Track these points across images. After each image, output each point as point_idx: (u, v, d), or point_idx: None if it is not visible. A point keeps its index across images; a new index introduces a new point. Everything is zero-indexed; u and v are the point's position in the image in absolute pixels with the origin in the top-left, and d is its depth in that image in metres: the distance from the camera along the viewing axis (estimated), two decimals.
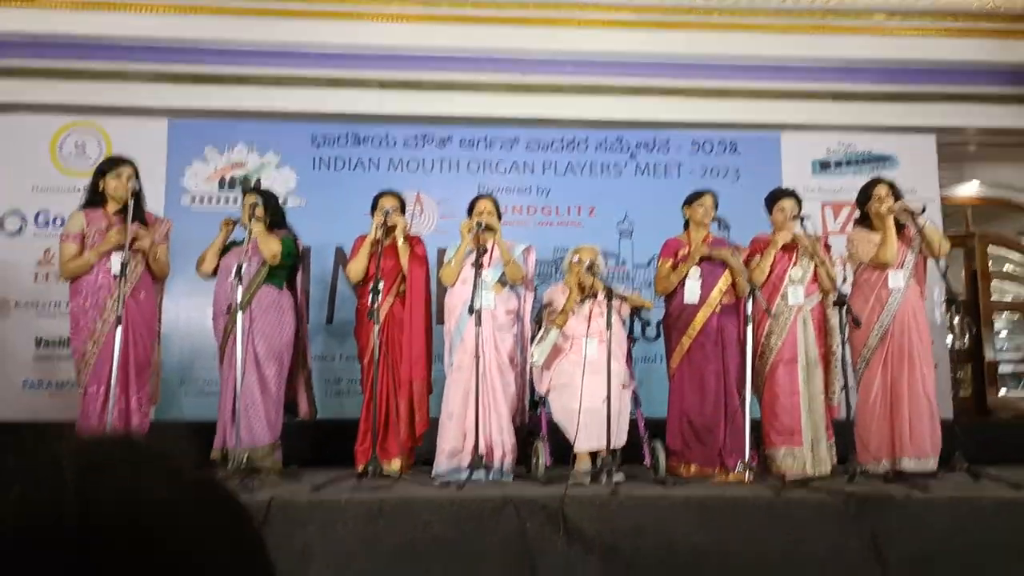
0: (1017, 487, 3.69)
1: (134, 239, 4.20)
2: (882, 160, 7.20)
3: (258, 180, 6.52)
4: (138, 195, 4.33)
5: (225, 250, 4.59)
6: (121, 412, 4.18)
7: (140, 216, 4.35)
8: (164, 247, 4.48)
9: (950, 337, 4.97)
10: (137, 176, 4.41)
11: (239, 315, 4.11)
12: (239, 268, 3.97)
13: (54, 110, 6.60)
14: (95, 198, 4.39)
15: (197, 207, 6.59)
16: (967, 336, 7.80)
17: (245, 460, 3.86)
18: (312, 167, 6.76)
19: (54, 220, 6.48)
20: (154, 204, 5.15)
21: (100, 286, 4.18)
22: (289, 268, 4.63)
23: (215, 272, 4.60)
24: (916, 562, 3.33)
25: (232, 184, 6.65)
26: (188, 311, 6.13)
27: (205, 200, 6.63)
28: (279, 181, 6.60)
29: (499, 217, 4.58)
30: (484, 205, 4.56)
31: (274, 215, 4.63)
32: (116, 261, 4.15)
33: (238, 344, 4.12)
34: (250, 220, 4.32)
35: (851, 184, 7.01)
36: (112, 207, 4.31)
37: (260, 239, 4.37)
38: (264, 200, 4.61)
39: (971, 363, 8.09)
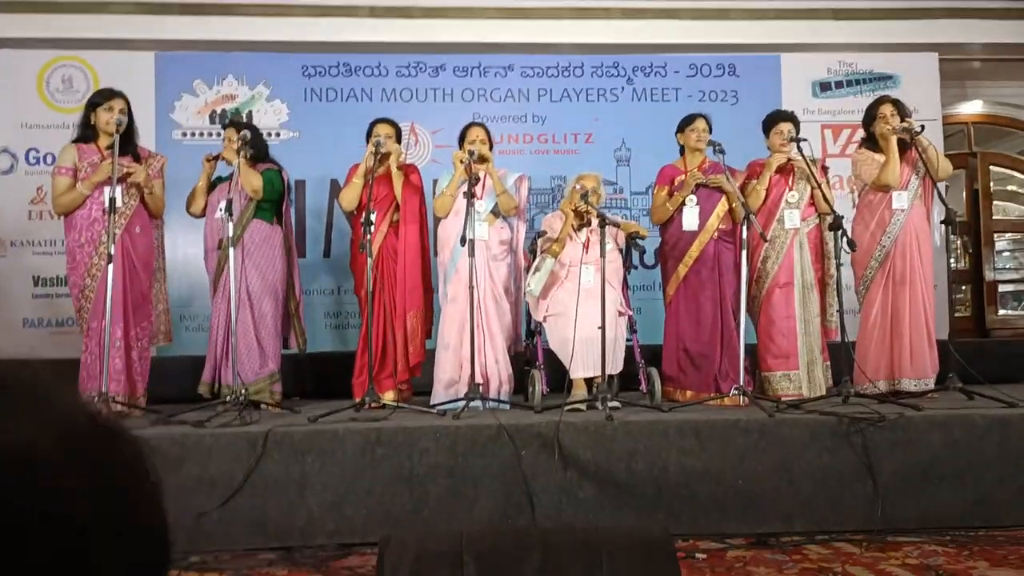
0: (1010, 404, 3.72)
1: (127, 173, 4.16)
2: (884, 79, 7.08)
3: (237, 112, 6.44)
4: (130, 129, 4.28)
5: (212, 186, 4.55)
6: (120, 347, 4.19)
7: (132, 151, 4.30)
8: (159, 182, 4.44)
9: (951, 259, 4.95)
10: (129, 110, 4.33)
11: (231, 250, 4.08)
12: (228, 204, 3.93)
13: (39, 44, 6.47)
14: (87, 132, 4.33)
15: (188, 141, 6.52)
16: (966, 257, 7.79)
17: (243, 393, 3.86)
18: (304, 98, 6.66)
19: (45, 157, 6.42)
20: (145, 139, 5.09)
21: (94, 220, 4.15)
22: (277, 202, 4.59)
23: (204, 211, 4.57)
24: (907, 477, 3.38)
25: (224, 117, 6.55)
26: (185, 247, 6.12)
27: (196, 134, 6.56)
28: (270, 113, 6.53)
29: (491, 146, 4.51)
30: (476, 133, 4.49)
31: (256, 148, 4.56)
32: (107, 195, 4.12)
33: (231, 279, 4.11)
34: (238, 154, 4.25)
35: (852, 105, 6.94)
36: (104, 141, 4.24)
37: (242, 174, 4.32)
38: (247, 133, 4.54)
39: (971, 283, 8.09)
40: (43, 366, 0.57)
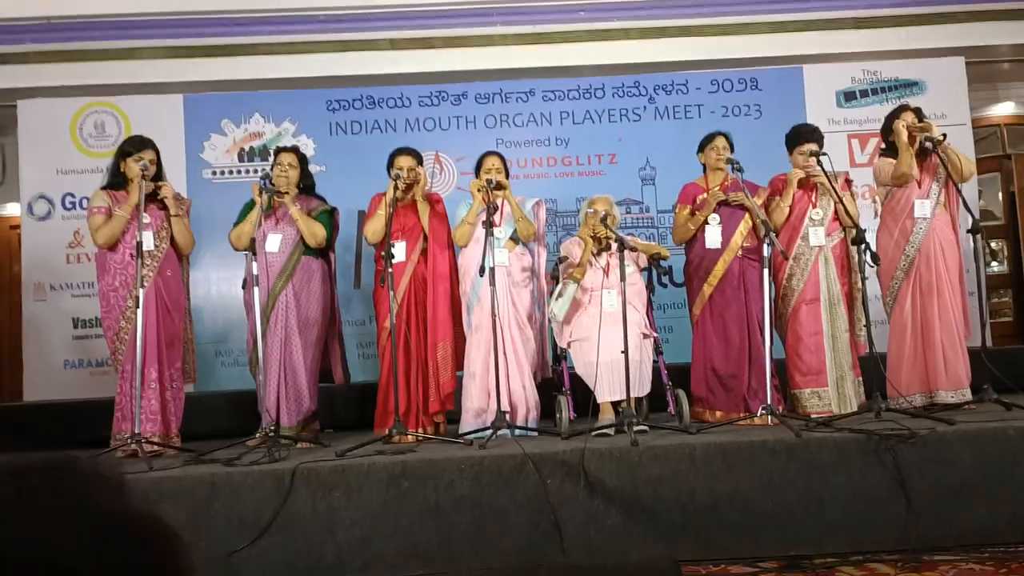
0: None
1: (158, 187, 4.31)
2: (910, 86, 7.00)
3: (265, 149, 6.58)
4: (158, 176, 4.38)
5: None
6: (155, 388, 4.28)
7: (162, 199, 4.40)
8: (186, 222, 4.52)
9: (984, 266, 4.86)
10: (158, 158, 4.43)
11: (280, 291, 4.22)
12: (252, 241, 4.01)
13: (72, 92, 6.67)
14: (117, 179, 4.44)
15: (218, 180, 6.66)
16: (996, 260, 7.63)
17: (272, 430, 3.91)
18: (329, 133, 6.77)
19: (80, 202, 6.60)
20: (176, 179, 5.21)
21: (127, 263, 4.24)
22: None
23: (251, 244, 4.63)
24: (941, 493, 3.30)
25: (252, 155, 6.68)
26: (219, 284, 6.24)
27: (225, 172, 6.69)
28: None
29: (507, 173, 4.54)
30: (492, 162, 4.53)
31: (306, 179, 4.65)
32: (148, 237, 4.22)
33: (275, 320, 4.23)
34: (269, 188, 4.31)
35: (878, 114, 6.82)
36: (134, 188, 4.34)
37: (302, 224, 4.42)
38: (300, 163, 4.63)
39: (1011, 288, 7.92)
40: (83, 463, 0.54)
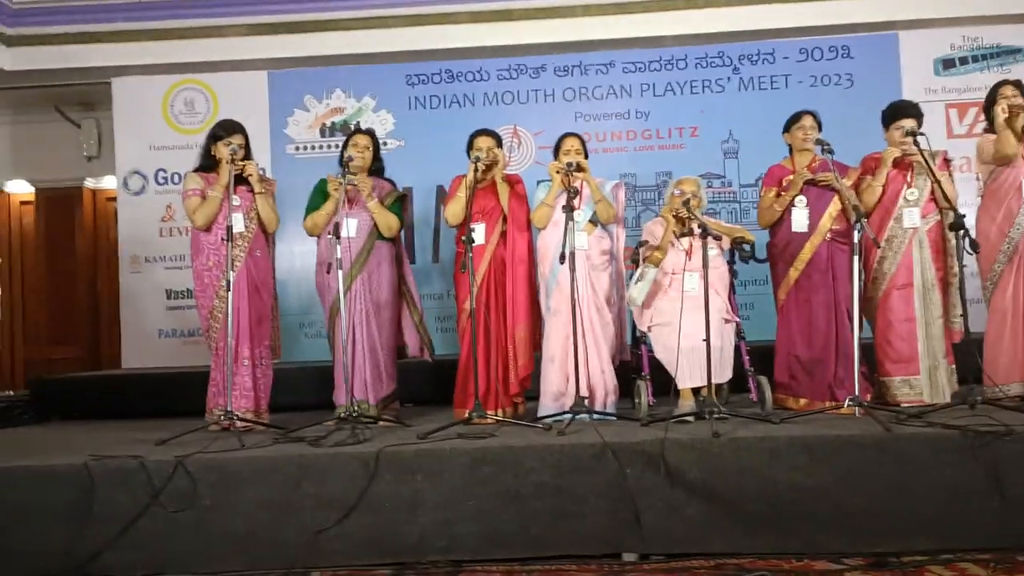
0: None
1: (242, 166, 4.39)
2: (1013, 53, 6.68)
3: (346, 124, 6.66)
4: (246, 159, 4.46)
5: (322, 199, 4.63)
6: (248, 366, 4.43)
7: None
8: (272, 202, 4.61)
9: None
10: (247, 141, 4.52)
11: (356, 274, 4.38)
12: (336, 226, 4.06)
13: (163, 70, 6.86)
14: (208, 162, 4.55)
15: (301, 155, 6.80)
16: None
17: (356, 411, 4.00)
18: (408, 107, 6.82)
19: (172, 177, 6.82)
20: (260, 155, 5.31)
21: (220, 245, 4.35)
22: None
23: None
24: None
25: (333, 131, 6.77)
26: (303, 257, 6.37)
27: (308, 148, 6.81)
28: (376, 124, 6.70)
29: (586, 154, 4.47)
30: (571, 143, 4.46)
31: (377, 162, 4.70)
32: (238, 219, 4.33)
33: (352, 302, 4.37)
34: (346, 172, 4.35)
35: (979, 82, 6.56)
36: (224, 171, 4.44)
37: (379, 217, 4.47)
38: (374, 146, 4.66)
39: None
40: None
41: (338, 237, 4.04)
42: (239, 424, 4.07)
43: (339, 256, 4.06)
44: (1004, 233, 4.22)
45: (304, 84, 6.83)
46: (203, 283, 4.49)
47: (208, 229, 4.44)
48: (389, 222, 4.53)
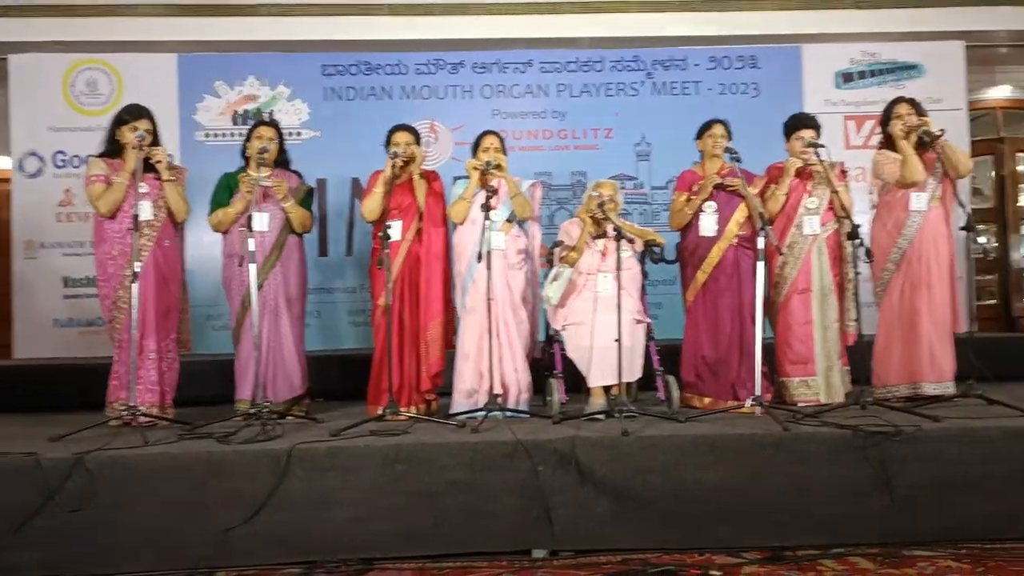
0: None
1: (165, 169, 4.29)
2: (908, 69, 7.01)
3: (259, 112, 6.53)
4: (154, 144, 4.33)
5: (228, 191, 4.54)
6: (154, 359, 4.30)
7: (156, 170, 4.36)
8: (181, 190, 4.48)
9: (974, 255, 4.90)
10: (155, 127, 4.38)
11: (270, 269, 4.33)
12: (249, 219, 4.00)
13: (64, 48, 6.58)
14: (113, 147, 4.39)
15: (211, 142, 6.62)
16: (985, 255, 7.72)
17: (266, 407, 3.94)
18: (324, 97, 6.73)
19: (72, 160, 6.56)
20: (168, 140, 5.14)
21: (125, 233, 4.21)
22: None
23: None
24: (924, 491, 3.38)
25: (245, 118, 6.62)
26: (211, 247, 6.18)
27: (219, 135, 6.64)
28: (291, 113, 6.60)
29: (504, 153, 4.51)
30: (490, 141, 4.49)
31: (282, 154, 4.63)
32: (146, 206, 4.20)
33: (264, 296, 4.34)
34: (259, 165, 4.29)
35: (876, 96, 6.88)
36: (130, 157, 4.29)
37: (294, 215, 4.45)
38: (279, 137, 4.59)
39: (997, 272, 8.02)
40: None
41: (251, 230, 3.97)
42: (142, 420, 3.96)
43: (252, 249, 3.98)
44: (893, 242, 4.46)
45: (216, 69, 6.65)
46: (106, 272, 4.33)
47: (113, 217, 4.29)
48: (304, 220, 4.50)
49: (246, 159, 4.41)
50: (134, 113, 4.35)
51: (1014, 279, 7.93)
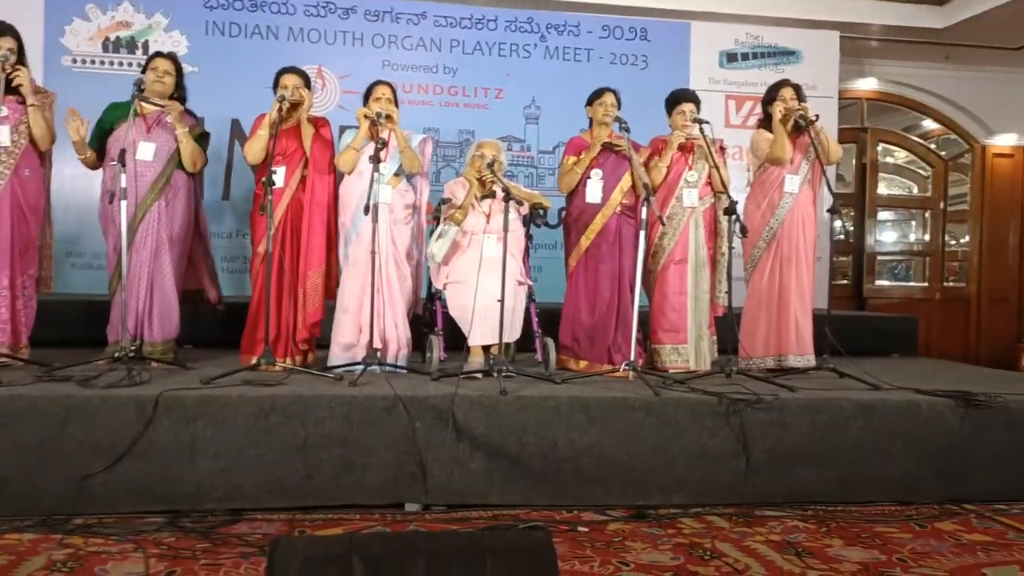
0: (875, 387, 4.00)
1: (12, 74, 4.00)
2: (787, 54, 7.29)
3: (132, 40, 6.18)
4: (20, 64, 4.03)
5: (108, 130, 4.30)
6: (6, 296, 4.03)
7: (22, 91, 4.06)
8: (48, 116, 4.19)
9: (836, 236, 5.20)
10: (20, 46, 4.07)
11: (152, 203, 4.14)
12: (122, 152, 3.78)
13: None
14: None
15: (79, 68, 6.23)
16: (847, 237, 8.19)
17: (133, 350, 3.78)
18: (205, 32, 6.43)
19: None
20: (32, 63, 4.77)
21: None
22: None
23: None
24: (777, 456, 3.60)
25: (117, 46, 6.24)
26: (73, 181, 5.85)
27: (88, 62, 6.24)
28: (168, 45, 6.26)
29: (396, 104, 4.44)
30: (382, 91, 4.40)
31: (180, 90, 4.41)
32: (3, 132, 3.92)
33: (144, 233, 4.13)
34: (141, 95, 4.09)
35: (756, 78, 7.14)
36: None
37: (186, 148, 4.25)
38: (177, 73, 4.37)
39: (851, 254, 8.53)
40: None
41: (123, 164, 3.76)
42: None
43: (123, 185, 3.78)
44: (766, 221, 4.66)
45: None
46: None
47: None
48: (195, 156, 4.29)
49: (141, 91, 4.15)
50: None
51: (867, 262, 8.47)
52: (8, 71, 3.94)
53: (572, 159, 4.61)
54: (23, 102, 4.05)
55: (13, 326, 4.05)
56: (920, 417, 3.73)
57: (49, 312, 4.56)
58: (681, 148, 4.69)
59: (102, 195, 4.25)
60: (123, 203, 3.79)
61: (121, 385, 3.42)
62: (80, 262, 6.13)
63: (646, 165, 4.64)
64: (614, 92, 4.62)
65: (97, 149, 4.29)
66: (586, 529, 3.19)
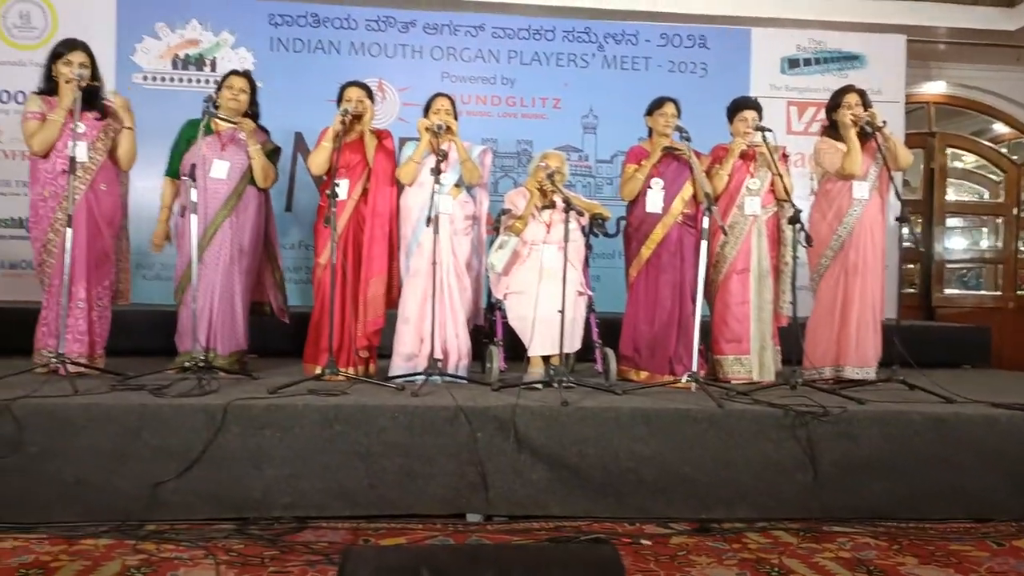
0: (947, 399, 3.89)
1: (99, 111, 4.15)
2: (851, 59, 7.16)
3: (201, 57, 6.36)
4: (93, 81, 4.16)
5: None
6: (83, 307, 4.15)
7: (98, 105, 4.19)
8: (129, 134, 4.32)
9: (905, 244, 5.09)
10: (93, 61, 4.20)
11: (224, 218, 4.28)
12: (192, 167, 3.90)
13: None
14: (51, 85, 4.19)
15: (149, 85, 6.41)
16: (916, 245, 8.00)
17: (204, 360, 3.87)
18: (270, 48, 6.58)
19: (1, 95, 6.26)
20: (104, 81, 4.95)
21: (59, 174, 4.03)
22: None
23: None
24: (846, 470, 3.52)
25: (187, 63, 6.42)
26: (143, 195, 6.01)
27: (158, 79, 6.43)
28: (234, 61, 6.42)
29: (456, 116, 4.48)
30: (442, 103, 4.45)
31: (253, 107, 4.52)
32: (81, 148, 4.04)
33: (216, 247, 4.26)
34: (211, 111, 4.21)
35: (818, 84, 7.02)
36: (66, 93, 4.11)
37: (258, 164, 4.37)
38: (251, 90, 4.49)
39: (919, 262, 8.32)
40: None
41: (194, 179, 3.87)
42: (71, 368, 3.85)
43: (194, 200, 3.88)
44: (833, 230, 4.56)
45: (157, 10, 6.41)
46: (37, 214, 4.15)
47: (46, 156, 4.09)
48: (267, 171, 4.42)
49: (215, 107, 4.28)
50: (69, 46, 4.16)
51: (936, 270, 8.25)
52: (83, 85, 4.07)
53: (633, 167, 4.60)
54: (100, 118, 4.18)
55: (90, 337, 4.17)
56: (997, 431, 3.61)
57: (121, 322, 4.70)
58: (743, 156, 4.64)
59: (179, 207, 4.38)
60: (194, 217, 3.90)
61: (192, 394, 3.50)
62: (150, 273, 6.30)
63: (707, 173, 4.60)
64: (675, 102, 4.59)
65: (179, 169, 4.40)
66: (649, 542, 3.16)
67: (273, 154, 4.53)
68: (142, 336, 5.16)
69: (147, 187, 5.84)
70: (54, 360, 3.85)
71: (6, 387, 3.51)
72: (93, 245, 4.17)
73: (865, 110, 4.53)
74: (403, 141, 4.76)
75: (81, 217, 4.11)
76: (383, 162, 4.45)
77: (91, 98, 4.13)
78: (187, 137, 4.38)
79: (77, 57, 4.12)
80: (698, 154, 4.58)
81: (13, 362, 4.06)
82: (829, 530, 3.35)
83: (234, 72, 4.57)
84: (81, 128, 4.06)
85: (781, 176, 4.47)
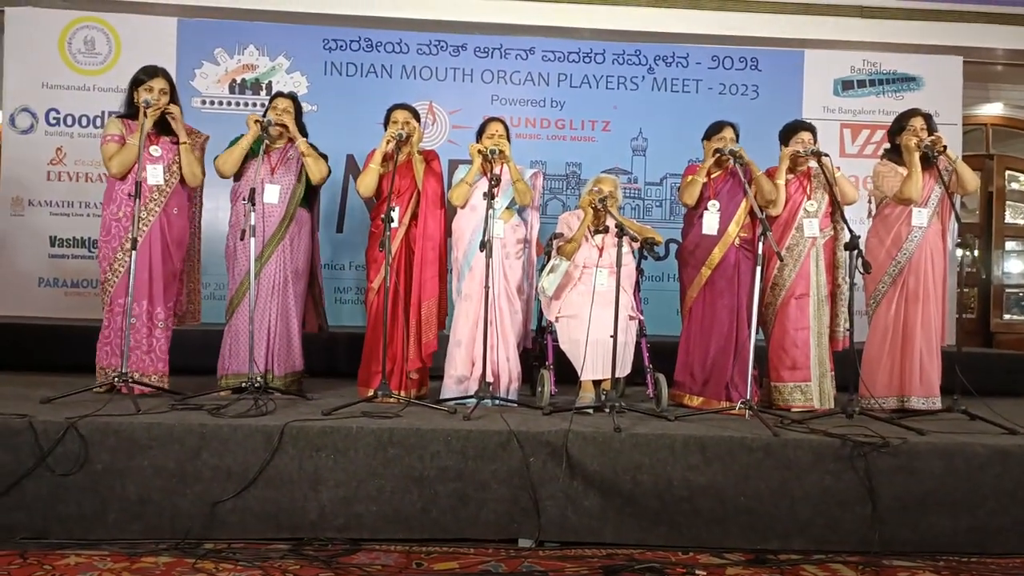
0: (1011, 431, 3.79)
1: (167, 111, 4.25)
2: (907, 81, 7.06)
3: (257, 82, 6.50)
4: (170, 109, 4.27)
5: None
6: (146, 327, 4.24)
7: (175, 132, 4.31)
8: (198, 155, 4.42)
9: (966, 269, 5.00)
10: (172, 88, 4.33)
11: (278, 242, 4.38)
12: (252, 192, 3.97)
13: (62, 4, 6.47)
14: (131, 109, 4.31)
15: (207, 110, 6.55)
16: (976, 270, 7.82)
17: (260, 381, 3.94)
18: (324, 72, 6.68)
19: (65, 119, 6.49)
20: None
21: (134, 195, 4.17)
22: (314, 188, 4.63)
23: (236, 175, 4.52)
24: (907, 502, 3.43)
25: (243, 88, 6.57)
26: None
27: (216, 103, 6.58)
28: (289, 85, 6.53)
29: (509, 139, 4.51)
30: (495, 128, 4.49)
31: (299, 125, 4.61)
32: (157, 171, 4.18)
33: (270, 270, 4.36)
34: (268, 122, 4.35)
35: (873, 105, 6.95)
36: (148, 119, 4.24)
37: (310, 159, 4.45)
38: (296, 110, 4.57)
39: (977, 286, 8.14)
40: None
41: (252, 203, 3.95)
42: (134, 387, 3.94)
43: (252, 223, 3.96)
44: (892, 256, 4.48)
45: (216, 36, 6.57)
46: (109, 233, 4.24)
47: (123, 178, 4.22)
48: (321, 167, 4.49)
49: (265, 130, 4.37)
50: (149, 73, 4.29)
51: (994, 294, 8.07)
52: (159, 107, 4.18)
53: (690, 176, 4.57)
54: (176, 143, 4.28)
55: (151, 356, 4.26)
56: None
57: (178, 342, 4.78)
58: (797, 173, 4.58)
59: (230, 231, 4.46)
60: (252, 240, 3.97)
61: (249, 415, 3.55)
62: (205, 293, 6.39)
63: (683, 183, 4.59)
64: (733, 126, 4.56)
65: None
66: (704, 572, 3.12)
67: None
68: (195, 355, 5.22)
69: (207, 207, 6.00)
70: (116, 379, 3.93)
71: (71, 405, 3.61)
72: (163, 266, 4.26)
73: (930, 135, 4.45)
74: (453, 164, 4.80)
75: (154, 239, 4.22)
76: (433, 185, 4.50)
77: (168, 123, 4.24)
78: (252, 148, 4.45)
79: (158, 83, 4.25)
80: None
81: (74, 379, 4.15)
82: (889, 564, 3.27)
83: (279, 94, 4.66)
84: (157, 151, 4.18)
85: (837, 181, 4.44)
